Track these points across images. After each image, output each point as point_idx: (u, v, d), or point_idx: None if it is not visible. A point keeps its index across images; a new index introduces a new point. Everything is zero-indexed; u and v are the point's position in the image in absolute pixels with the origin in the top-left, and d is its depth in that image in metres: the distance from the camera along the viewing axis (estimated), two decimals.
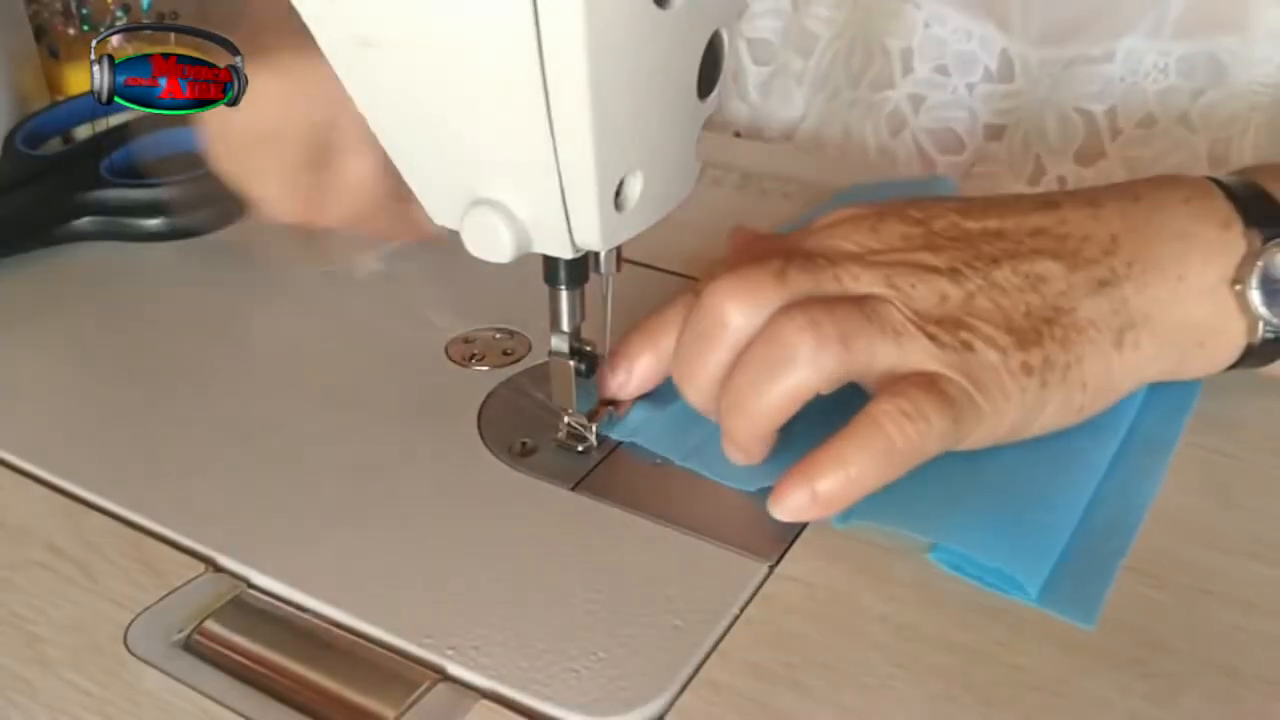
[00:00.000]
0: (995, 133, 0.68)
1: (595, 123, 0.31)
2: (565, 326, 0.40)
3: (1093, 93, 0.63)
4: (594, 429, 0.42)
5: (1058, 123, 0.65)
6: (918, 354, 0.37)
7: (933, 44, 0.67)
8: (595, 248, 0.36)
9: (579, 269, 0.38)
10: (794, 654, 0.33)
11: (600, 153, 0.32)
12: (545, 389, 0.42)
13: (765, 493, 0.38)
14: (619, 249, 0.38)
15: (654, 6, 0.31)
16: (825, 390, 0.37)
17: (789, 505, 0.36)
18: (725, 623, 0.34)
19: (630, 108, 0.33)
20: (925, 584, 0.36)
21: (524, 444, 0.42)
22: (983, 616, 0.35)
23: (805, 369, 0.36)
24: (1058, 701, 0.32)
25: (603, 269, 0.38)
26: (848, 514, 0.37)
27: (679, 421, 0.42)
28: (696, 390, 0.39)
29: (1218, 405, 0.43)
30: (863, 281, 0.38)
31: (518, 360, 0.47)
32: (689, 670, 0.33)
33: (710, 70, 0.36)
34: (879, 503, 0.37)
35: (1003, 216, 0.40)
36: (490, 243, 0.35)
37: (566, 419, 0.42)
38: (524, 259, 0.36)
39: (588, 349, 0.41)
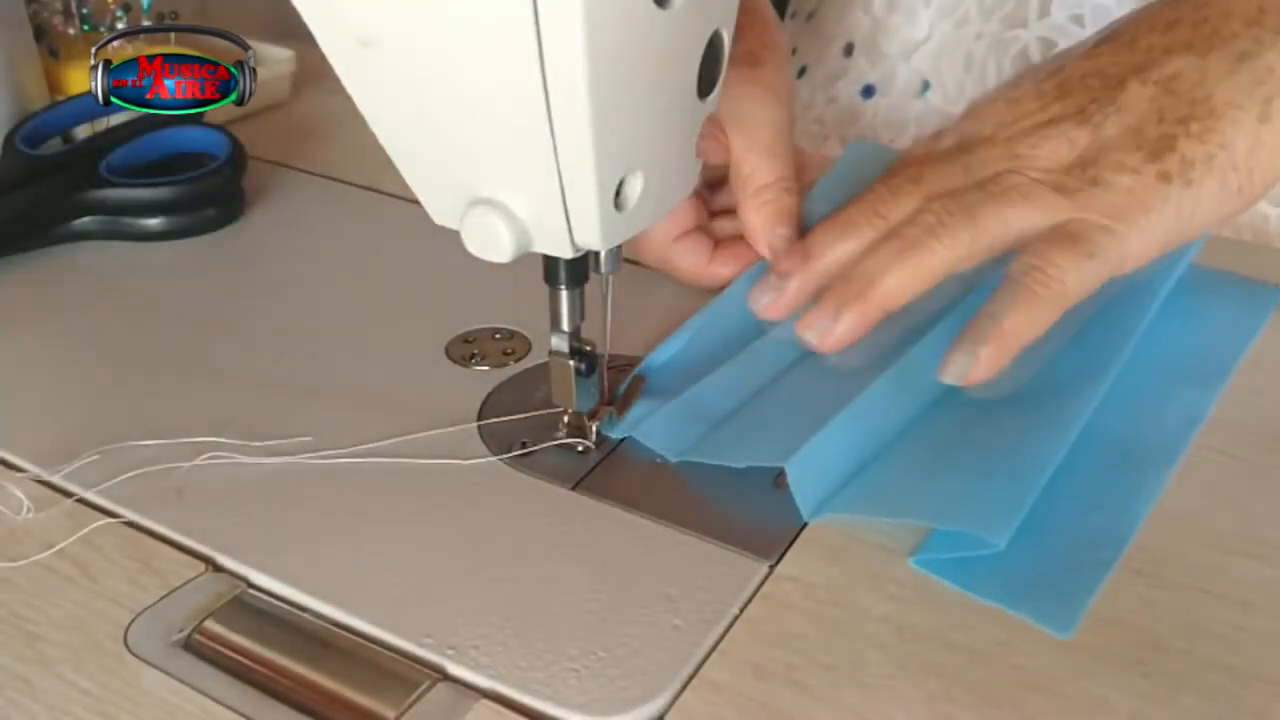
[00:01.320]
0: None
1: (595, 123, 0.31)
2: (565, 326, 0.40)
3: None
4: (594, 429, 0.42)
5: None
6: (1048, 208, 0.39)
7: None
8: (595, 247, 0.36)
9: (579, 269, 0.38)
10: (794, 654, 0.33)
11: (600, 153, 0.32)
12: (545, 389, 0.42)
13: (758, 473, 0.39)
14: (619, 249, 0.38)
15: (654, 6, 0.31)
16: (967, 265, 0.40)
17: (953, 369, 0.38)
18: (725, 623, 0.34)
19: (630, 108, 0.33)
20: (925, 584, 0.36)
21: (524, 444, 0.42)
22: (983, 617, 0.35)
23: (937, 249, 0.39)
24: (1058, 701, 0.32)
25: (603, 269, 0.38)
26: (819, 507, 0.38)
27: (677, 419, 0.42)
28: (818, 266, 0.42)
29: (1218, 405, 0.43)
30: (989, 163, 0.41)
31: (518, 360, 0.47)
32: (689, 670, 0.33)
33: (710, 70, 0.36)
34: (849, 493, 0.38)
35: (1136, 24, 0.42)
36: (490, 242, 0.35)
37: (566, 419, 0.42)
38: (524, 259, 0.36)
39: (588, 349, 0.40)
